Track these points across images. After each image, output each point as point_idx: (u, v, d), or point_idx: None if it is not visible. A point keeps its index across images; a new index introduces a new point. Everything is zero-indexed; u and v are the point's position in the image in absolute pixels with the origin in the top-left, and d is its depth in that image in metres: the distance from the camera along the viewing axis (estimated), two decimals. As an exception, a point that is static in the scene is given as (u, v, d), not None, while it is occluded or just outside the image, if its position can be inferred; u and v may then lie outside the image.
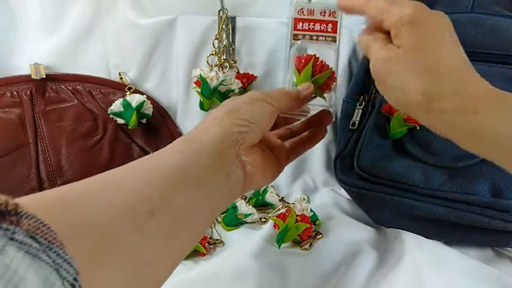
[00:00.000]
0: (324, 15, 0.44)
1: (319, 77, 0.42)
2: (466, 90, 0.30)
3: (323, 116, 0.41)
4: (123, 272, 0.22)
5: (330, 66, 0.43)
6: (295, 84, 0.44)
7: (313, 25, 0.45)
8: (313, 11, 0.44)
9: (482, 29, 0.48)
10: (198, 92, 0.58)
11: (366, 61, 0.59)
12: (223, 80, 0.57)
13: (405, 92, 0.31)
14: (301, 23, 0.45)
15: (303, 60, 0.43)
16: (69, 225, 0.19)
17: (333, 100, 0.44)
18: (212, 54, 0.60)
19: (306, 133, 0.43)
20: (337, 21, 0.44)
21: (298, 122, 0.44)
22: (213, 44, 0.60)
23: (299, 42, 0.45)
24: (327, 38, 0.44)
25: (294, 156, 0.41)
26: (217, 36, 0.60)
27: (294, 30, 0.45)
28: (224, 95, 0.60)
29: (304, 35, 0.45)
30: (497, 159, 0.30)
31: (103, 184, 0.24)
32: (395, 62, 0.31)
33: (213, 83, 0.57)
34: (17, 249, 0.15)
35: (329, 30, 0.44)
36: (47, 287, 0.16)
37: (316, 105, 0.42)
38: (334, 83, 0.43)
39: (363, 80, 0.59)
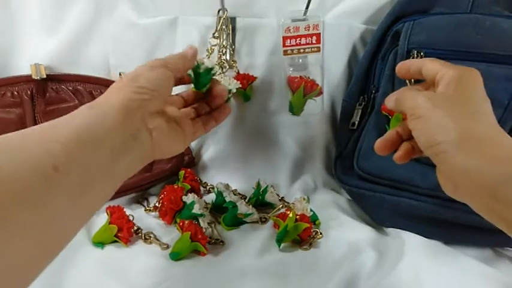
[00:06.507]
0: (308, 30, 0.52)
1: (310, 95, 0.54)
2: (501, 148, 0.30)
3: (218, 92, 0.46)
4: (30, 228, 0.23)
5: (318, 86, 0.53)
6: (290, 102, 0.54)
7: (300, 40, 0.52)
8: (299, 27, 0.52)
9: (482, 29, 0.48)
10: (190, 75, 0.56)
11: (365, 61, 0.59)
12: (211, 69, 0.52)
13: (442, 127, 0.31)
14: (289, 40, 0.52)
15: (295, 85, 0.52)
16: None
17: (324, 104, 0.58)
18: (207, 53, 0.60)
19: (212, 112, 0.47)
20: (320, 33, 0.52)
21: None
22: (209, 42, 0.60)
23: (289, 57, 0.53)
24: (312, 49, 0.53)
25: (201, 132, 0.45)
26: (215, 34, 0.59)
27: (283, 46, 0.52)
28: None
29: (292, 50, 0.53)
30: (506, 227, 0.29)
31: (7, 143, 0.25)
32: (444, 99, 0.33)
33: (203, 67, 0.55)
34: None
35: (313, 42, 0.52)
36: None
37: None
38: (322, 94, 0.55)
39: (362, 80, 0.59)
